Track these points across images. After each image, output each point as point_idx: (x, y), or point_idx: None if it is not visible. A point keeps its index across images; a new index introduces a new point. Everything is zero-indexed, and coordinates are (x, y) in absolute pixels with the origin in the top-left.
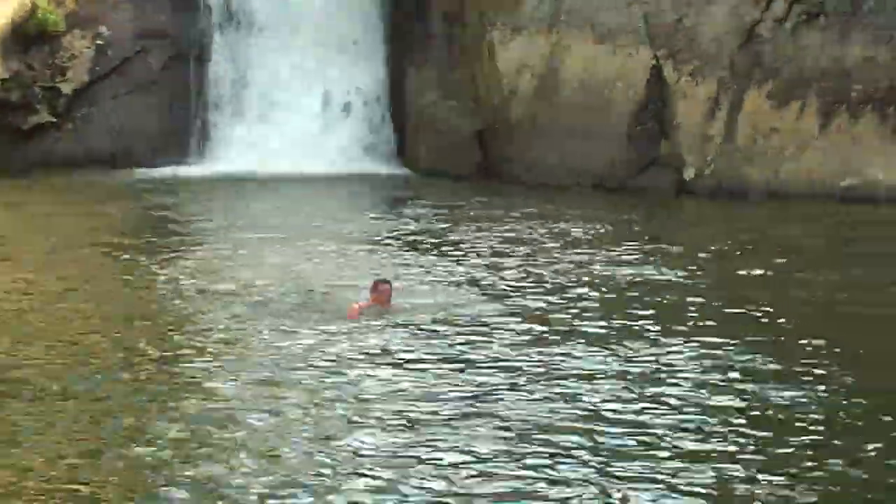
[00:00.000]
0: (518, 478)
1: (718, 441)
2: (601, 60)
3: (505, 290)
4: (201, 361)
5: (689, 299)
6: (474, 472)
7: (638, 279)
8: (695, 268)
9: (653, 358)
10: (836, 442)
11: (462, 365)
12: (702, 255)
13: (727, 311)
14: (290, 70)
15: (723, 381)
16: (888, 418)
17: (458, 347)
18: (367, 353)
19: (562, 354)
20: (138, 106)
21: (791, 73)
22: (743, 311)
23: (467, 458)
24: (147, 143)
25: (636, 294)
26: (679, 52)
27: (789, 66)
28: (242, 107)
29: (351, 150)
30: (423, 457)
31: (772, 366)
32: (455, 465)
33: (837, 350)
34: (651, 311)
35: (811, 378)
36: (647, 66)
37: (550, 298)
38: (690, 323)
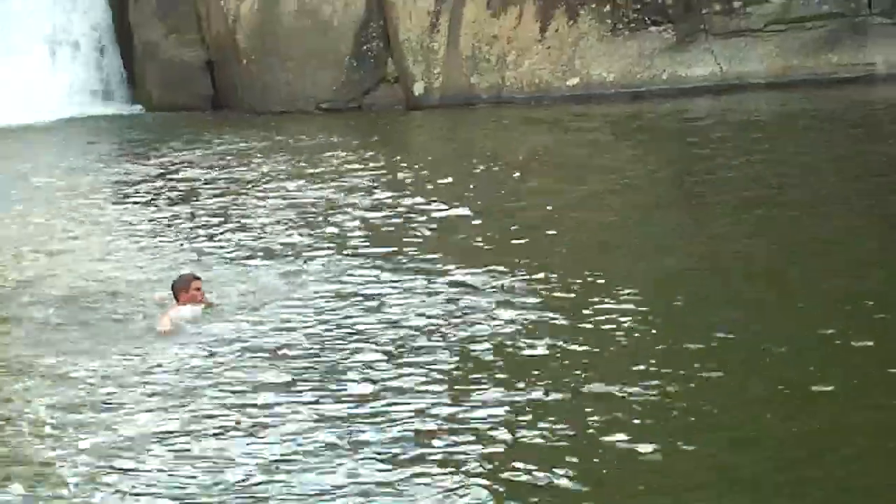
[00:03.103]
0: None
1: None
2: None
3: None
4: None
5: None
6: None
7: (384, 205)
8: (430, 189)
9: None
10: None
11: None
12: (437, 178)
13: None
14: (10, 14)
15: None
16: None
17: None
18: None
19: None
20: None
21: None
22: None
23: None
24: None
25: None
26: None
27: None
28: None
29: (79, 92)
30: None
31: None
32: None
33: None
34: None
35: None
36: None
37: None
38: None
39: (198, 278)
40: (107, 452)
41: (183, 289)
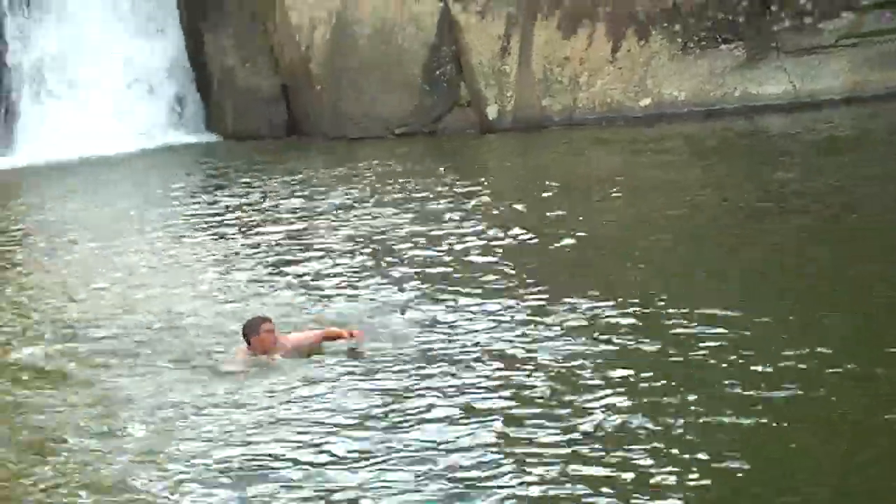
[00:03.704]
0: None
1: None
2: (391, 7)
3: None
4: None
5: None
6: None
7: (460, 231)
8: (507, 214)
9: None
10: None
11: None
12: (513, 203)
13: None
14: (88, 49)
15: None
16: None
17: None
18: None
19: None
20: None
21: (576, 2)
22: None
23: None
24: None
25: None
26: None
27: None
28: (43, 91)
29: (158, 123)
30: None
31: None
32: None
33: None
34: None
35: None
36: (436, 9)
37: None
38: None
39: (267, 320)
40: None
41: (253, 333)
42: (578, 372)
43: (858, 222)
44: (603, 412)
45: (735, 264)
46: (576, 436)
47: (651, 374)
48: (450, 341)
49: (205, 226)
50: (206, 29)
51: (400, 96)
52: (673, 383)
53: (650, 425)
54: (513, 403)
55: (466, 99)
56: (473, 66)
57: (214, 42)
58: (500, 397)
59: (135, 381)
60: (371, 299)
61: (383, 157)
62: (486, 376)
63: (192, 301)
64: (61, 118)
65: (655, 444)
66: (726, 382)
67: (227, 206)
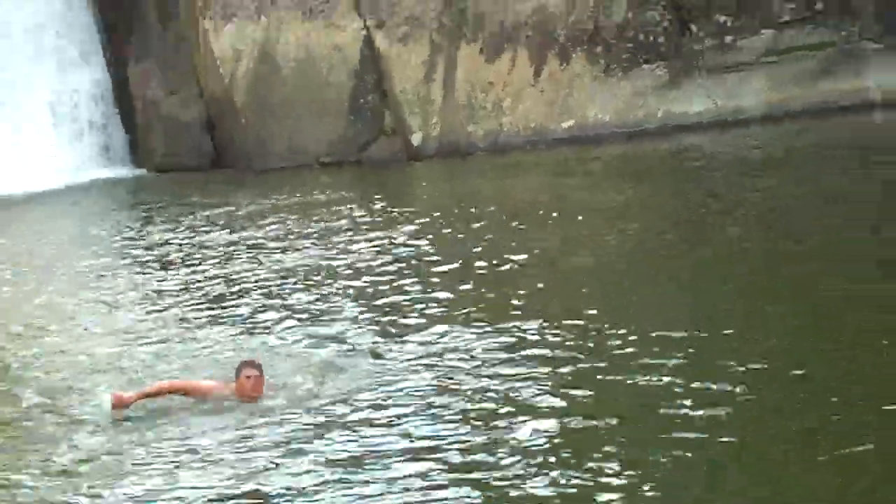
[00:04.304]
0: None
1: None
2: (314, 37)
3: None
4: None
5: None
6: None
7: (389, 264)
8: (435, 243)
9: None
10: None
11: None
12: (441, 231)
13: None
14: (11, 87)
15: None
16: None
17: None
18: None
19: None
20: None
21: (497, 26)
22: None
23: None
24: None
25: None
26: (388, 19)
27: (494, 19)
28: None
29: (81, 158)
30: None
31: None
32: None
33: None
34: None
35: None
36: (359, 38)
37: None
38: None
39: (251, 364)
40: None
41: (236, 374)
42: (522, 397)
43: (790, 234)
44: (563, 438)
45: (666, 283)
46: (528, 470)
47: (609, 399)
48: (386, 373)
49: (130, 265)
50: (130, 59)
51: (325, 126)
52: (631, 406)
53: (623, 454)
54: (450, 427)
55: (391, 126)
56: (397, 93)
57: (138, 72)
58: (440, 425)
59: (50, 428)
60: (302, 335)
61: (309, 188)
62: (426, 405)
63: (110, 343)
64: None
65: (632, 471)
66: (686, 404)
67: (151, 244)
